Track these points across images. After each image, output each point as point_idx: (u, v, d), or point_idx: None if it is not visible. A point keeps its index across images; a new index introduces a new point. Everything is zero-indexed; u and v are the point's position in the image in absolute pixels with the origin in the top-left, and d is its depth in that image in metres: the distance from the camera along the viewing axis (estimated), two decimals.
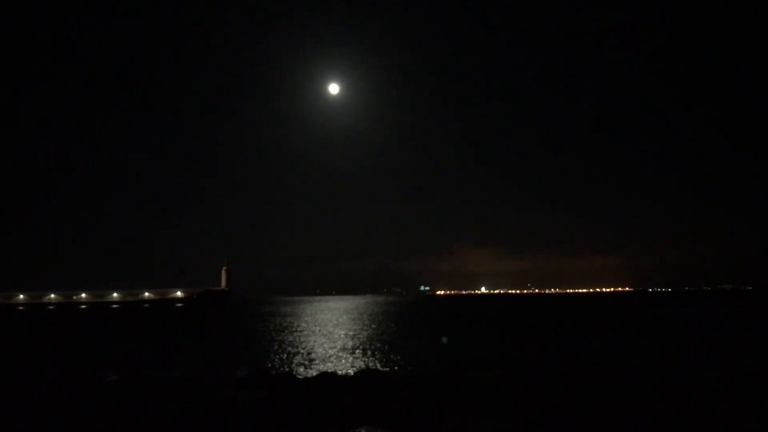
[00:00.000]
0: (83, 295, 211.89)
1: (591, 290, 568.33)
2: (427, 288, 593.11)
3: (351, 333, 56.99)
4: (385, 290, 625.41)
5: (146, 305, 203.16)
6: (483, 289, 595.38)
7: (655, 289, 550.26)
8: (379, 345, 43.89)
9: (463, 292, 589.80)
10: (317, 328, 64.89)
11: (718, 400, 17.34)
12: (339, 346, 43.43)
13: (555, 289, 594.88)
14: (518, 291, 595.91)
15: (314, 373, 27.05)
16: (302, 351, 40.75)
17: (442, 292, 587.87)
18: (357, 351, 40.04)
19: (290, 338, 51.86)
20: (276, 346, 44.32)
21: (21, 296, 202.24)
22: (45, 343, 52.92)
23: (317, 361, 34.55)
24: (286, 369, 31.06)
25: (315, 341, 48.33)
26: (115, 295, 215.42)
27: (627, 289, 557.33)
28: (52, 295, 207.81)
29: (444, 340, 32.23)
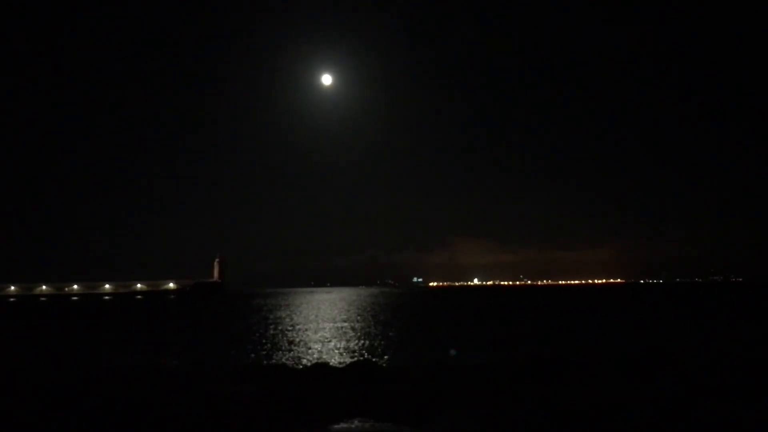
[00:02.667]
0: (75, 286, 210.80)
1: (583, 282, 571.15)
2: (420, 280, 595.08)
3: (344, 324, 57.05)
4: (378, 282, 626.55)
5: (138, 297, 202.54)
6: (476, 281, 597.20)
7: (647, 280, 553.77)
8: (371, 336, 43.98)
9: (456, 284, 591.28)
10: (310, 320, 64.92)
11: (707, 391, 17.47)
12: (331, 338, 43.47)
13: (547, 280, 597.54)
14: (510, 282, 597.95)
15: (307, 365, 27.06)
16: (295, 342, 40.75)
17: (435, 284, 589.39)
18: (350, 342, 40.09)
19: (283, 330, 51.86)
20: (268, 338, 44.31)
21: (12, 288, 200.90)
22: (36, 336, 52.68)
23: (310, 353, 34.57)
24: (279, 360, 31.05)
25: (307, 332, 48.36)
26: (107, 286, 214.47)
27: (619, 280, 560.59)
28: (44, 287, 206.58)
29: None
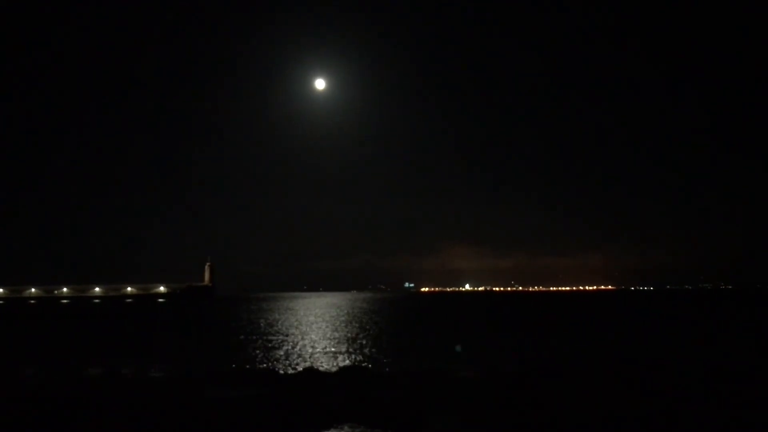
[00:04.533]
0: (65, 289, 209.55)
1: (573, 288, 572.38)
2: (412, 285, 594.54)
3: (335, 329, 56.96)
4: (369, 287, 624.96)
5: (128, 300, 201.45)
6: (467, 287, 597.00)
7: (637, 287, 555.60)
8: (362, 341, 43.92)
9: (448, 290, 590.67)
10: (301, 324, 64.76)
11: (697, 397, 17.61)
12: (323, 343, 43.39)
13: (538, 287, 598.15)
14: (502, 288, 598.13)
15: (297, 370, 27.02)
16: (286, 347, 40.65)
17: (427, 289, 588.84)
18: (341, 347, 40.03)
19: (274, 334, 51.70)
20: (260, 343, 44.18)
21: (1, 290, 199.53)
22: (25, 339, 52.28)
23: (301, 358, 34.49)
24: (270, 365, 30.97)
25: (299, 337, 48.24)
26: (97, 289, 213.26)
27: (609, 287, 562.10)
28: (33, 290, 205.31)
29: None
